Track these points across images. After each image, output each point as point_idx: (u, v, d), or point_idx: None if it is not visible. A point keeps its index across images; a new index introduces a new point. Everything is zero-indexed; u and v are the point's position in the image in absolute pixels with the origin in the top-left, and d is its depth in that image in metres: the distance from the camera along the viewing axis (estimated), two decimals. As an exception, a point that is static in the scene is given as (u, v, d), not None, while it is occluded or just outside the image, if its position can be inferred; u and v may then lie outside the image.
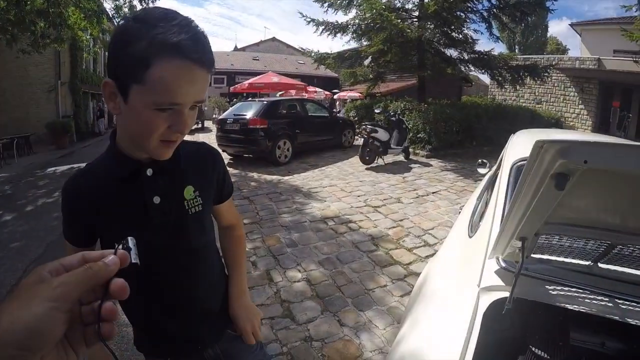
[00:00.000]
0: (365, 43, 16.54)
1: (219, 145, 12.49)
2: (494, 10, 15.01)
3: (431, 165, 11.54)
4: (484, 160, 4.85)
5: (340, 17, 64.12)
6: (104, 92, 1.07)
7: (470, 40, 15.23)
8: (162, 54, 0.95)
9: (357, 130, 14.55)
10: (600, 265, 1.75)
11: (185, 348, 1.41)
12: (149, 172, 1.20)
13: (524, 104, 22.74)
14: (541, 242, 1.65)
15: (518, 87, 17.30)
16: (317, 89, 26.78)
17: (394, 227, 6.28)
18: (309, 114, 13.55)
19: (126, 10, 14.08)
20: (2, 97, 18.57)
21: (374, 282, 4.49)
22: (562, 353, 1.63)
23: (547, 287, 1.64)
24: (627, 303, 1.53)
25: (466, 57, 15.62)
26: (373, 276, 4.64)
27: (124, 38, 0.98)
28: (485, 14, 15.12)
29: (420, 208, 7.28)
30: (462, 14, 14.50)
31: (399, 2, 16.39)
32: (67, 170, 12.62)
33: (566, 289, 1.61)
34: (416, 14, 15.45)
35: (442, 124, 13.06)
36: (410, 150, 12.80)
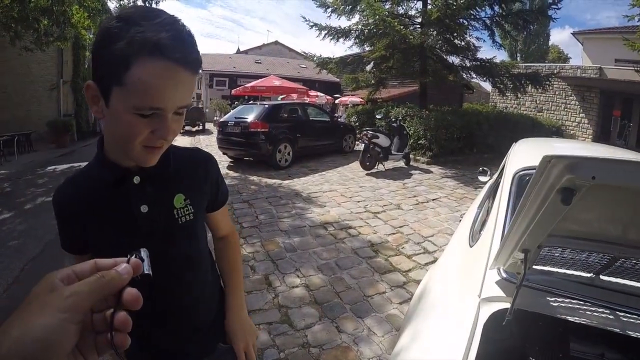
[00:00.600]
0: (367, 48, 16.62)
1: (219, 147, 12.53)
2: (497, 18, 15.03)
3: (431, 172, 11.54)
4: (485, 168, 4.84)
5: (343, 22, 64.24)
6: (87, 95, 1.01)
7: (472, 48, 15.25)
8: (141, 54, 0.89)
9: (358, 136, 14.55)
10: (602, 277, 1.74)
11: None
12: (136, 179, 1.16)
13: (525, 112, 22.76)
14: (543, 254, 1.65)
15: (519, 95, 17.33)
16: (319, 94, 26.80)
17: (393, 234, 6.27)
18: (310, 119, 13.55)
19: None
20: (4, 94, 18.54)
21: (373, 289, 4.48)
22: None
23: (548, 298, 1.63)
24: (628, 315, 1.53)
25: (468, 65, 15.63)
26: (372, 283, 4.63)
27: (105, 37, 0.93)
28: (487, 21, 15.16)
29: (420, 215, 7.27)
30: (464, 21, 14.52)
31: (402, 8, 16.47)
32: (67, 169, 12.62)
33: (567, 300, 1.61)
34: (419, 20, 15.47)
35: (443, 131, 13.07)
36: (411, 156, 12.81)
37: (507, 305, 1.56)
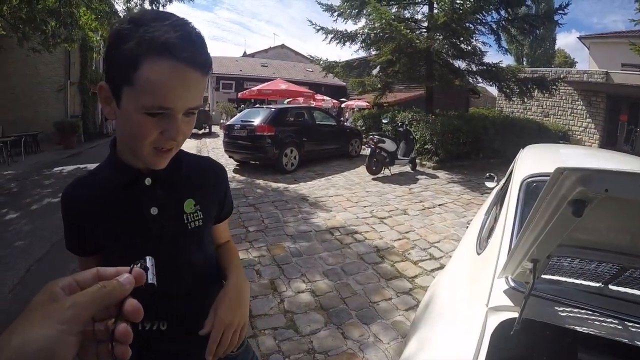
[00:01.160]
0: (373, 52, 16.62)
1: (225, 151, 12.56)
2: (503, 22, 15.01)
3: (438, 177, 11.52)
4: (492, 174, 4.82)
5: (350, 26, 64.32)
6: (100, 96, 1.04)
7: (478, 52, 15.23)
8: (150, 54, 0.90)
9: (364, 140, 14.54)
10: (610, 287, 1.73)
11: None
12: (148, 181, 1.16)
13: (531, 117, 22.70)
14: (552, 263, 1.64)
15: (526, 100, 17.29)
16: (325, 97, 26.83)
17: (399, 239, 6.25)
18: (317, 123, 13.56)
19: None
20: (11, 94, 18.77)
21: (379, 295, 4.47)
22: None
23: (556, 308, 1.62)
24: (637, 326, 1.52)
25: (474, 69, 15.64)
26: (378, 289, 4.62)
27: (116, 39, 0.95)
28: (494, 26, 15.12)
29: (426, 220, 7.26)
30: (471, 25, 14.49)
31: (409, 12, 16.55)
32: (73, 171, 12.71)
33: (575, 310, 1.59)
34: (425, 24, 15.49)
35: (449, 136, 13.05)
36: (417, 161, 12.77)
37: (515, 314, 1.55)
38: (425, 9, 15.77)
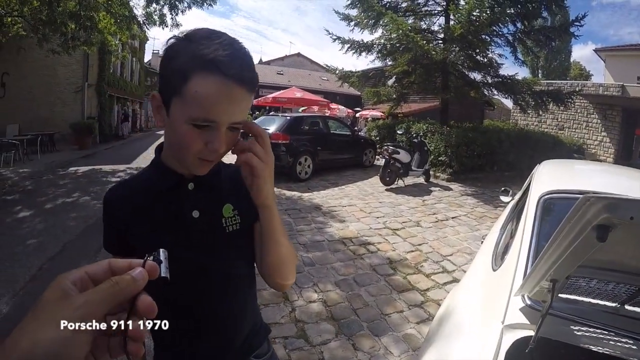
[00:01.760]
0: (389, 63, 16.63)
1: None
2: (519, 34, 14.98)
3: (451, 189, 11.48)
4: (507, 188, 4.80)
5: (366, 36, 64.40)
6: (152, 105, 1.10)
7: (494, 64, 15.19)
8: (199, 69, 0.96)
9: (379, 151, 14.54)
10: (627, 307, 1.71)
11: None
12: (191, 186, 1.20)
13: (546, 130, 22.58)
14: (569, 283, 1.63)
15: (541, 113, 17.20)
16: (340, 107, 26.89)
17: (412, 252, 6.23)
18: (331, 132, 13.62)
19: (156, 17, 14.34)
20: (29, 94, 19.10)
21: (391, 307, 4.45)
22: None
23: (572, 327, 1.61)
24: None
25: (490, 81, 15.55)
26: (390, 301, 4.60)
27: (170, 53, 1.01)
28: (510, 38, 15.11)
29: (440, 233, 7.23)
30: (487, 37, 14.49)
31: (425, 23, 16.52)
32: (88, 171, 12.88)
33: (591, 330, 1.59)
34: (441, 36, 15.49)
35: (463, 148, 13.01)
36: (431, 172, 12.74)
37: (531, 332, 1.55)
38: (442, 20, 15.85)
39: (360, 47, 16.12)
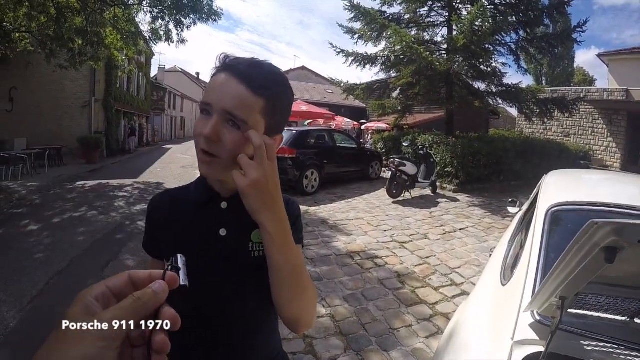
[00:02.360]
0: (394, 75, 16.65)
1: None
2: (522, 42, 15.06)
3: (458, 200, 11.45)
4: (514, 199, 4.78)
5: (370, 49, 64.78)
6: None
7: (498, 73, 15.23)
8: (217, 70, 1.10)
9: (385, 163, 14.54)
10: (636, 320, 1.71)
11: None
12: (224, 205, 1.24)
13: (552, 137, 22.56)
14: (578, 299, 1.62)
15: (546, 120, 17.17)
16: (345, 119, 26.91)
17: (420, 265, 6.20)
18: (337, 145, 13.63)
19: (162, 33, 14.49)
20: (37, 108, 19.35)
21: (399, 321, 4.42)
22: None
23: (582, 342, 1.61)
24: None
25: (494, 90, 15.57)
26: (398, 315, 4.58)
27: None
28: (513, 46, 15.20)
29: (447, 245, 7.20)
30: (490, 46, 14.54)
31: (428, 35, 16.58)
32: (95, 186, 12.97)
33: (601, 344, 1.58)
34: (445, 47, 15.53)
35: (469, 158, 12.99)
36: (438, 184, 12.72)
37: (541, 348, 1.55)
38: (445, 31, 15.88)
39: (365, 60, 16.18)
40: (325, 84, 40.45)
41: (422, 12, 16.23)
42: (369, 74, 55.31)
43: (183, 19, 14.28)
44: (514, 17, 14.05)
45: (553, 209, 2.37)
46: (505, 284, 2.26)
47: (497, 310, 2.09)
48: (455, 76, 15.40)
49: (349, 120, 27.16)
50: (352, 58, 16.29)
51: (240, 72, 1.06)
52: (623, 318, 1.73)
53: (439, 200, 11.45)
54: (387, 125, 23.13)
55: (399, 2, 15.68)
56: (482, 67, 15.01)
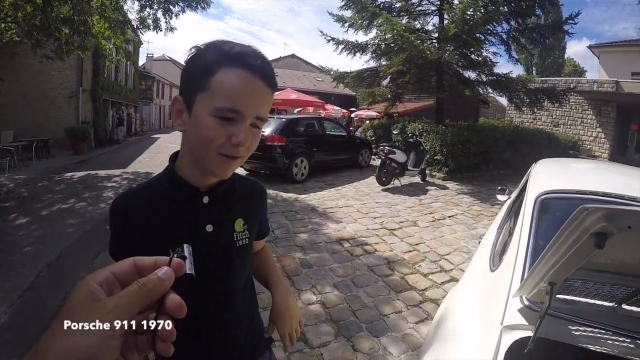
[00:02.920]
0: (384, 63, 16.64)
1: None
2: (513, 33, 15.02)
3: (447, 188, 11.51)
4: (503, 187, 4.81)
5: (360, 37, 64.61)
6: (172, 109, 1.13)
7: (489, 63, 15.22)
8: (225, 63, 1.01)
9: (374, 151, 14.56)
10: (624, 306, 1.73)
11: None
12: (205, 199, 1.20)
13: (541, 127, 22.67)
14: (567, 284, 1.64)
15: (536, 110, 17.24)
16: (335, 107, 26.85)
17: (409, 251, 6.25)
18: (327, 133, 13.62)
19: (150, 22, 14.35)
20: (24, 100, 19.05)
21: (389, 308, 4.46)
22: None
23: (570, 327, 1.62)
24: None
25: (484, 79, 15.60)
26: (388, 301, 4.61)
27: (194, 56, 1.07)
28: (504, 36, 15.15)
29: (437, 232, 7.25)
30: (481, 36, 14.53)
31: (419, 23, 16.54)
32: (84, 177, 12.87)
33: (589, 329, 1.60)
34: (436, 35, 15.49)
35: (459, 147, 13.04)
36: (427, 172, 12.76)
37: (529, 333, 1.56)
38: (436, 19, 15.86)
39: (355, 48, 16.13)
40: (315, 72, 40.25)
41: (413, 1, 16.25)
42: (359, 62, 55.36)
43: (171, 7, 14.19)
44: (505, 7, 14.01)
45: (542, 197, 2.39)
46: (494, 270, 2.28)
47: (486, 296, 2.11)
48: (446, 65, 15.42)
49: (338, 108, 27.13)
50: (343, 46, 16.25)
51: (264, 73, 1.04)
52: (611, 304, 1.75)
53: (429, 188, 11.50)
54: (377, 114, 23.13)
55: (390, -11, 15.58)
56: (472, 56, 14.99)
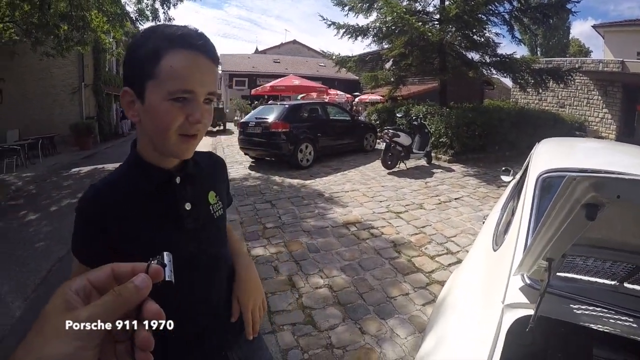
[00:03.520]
0: (386, 46, 16.49)
1: (240, 148, 12.67)
2: (516, 12, 14.80)
3: (453, 170, 11.47)
4: (508, 168, 4.81)
5: (361, 20, 64.11)
6: (123, 102, 1.13)
7: (492, 44, 15.01)
8: (169, 46, 1.03)
9: (379, 135, 14.51)
10: (626, 285, 1.74)
11: (209, 356, 1.38)
12: (178, 179, 1.21)
13: (547, 108, 22.41)
14: (567, 262, 1.65)
15: (541, 91, 17.08)
16: (338, 92, 26.74)
17: (416, 234, 6.26)
18: (331, 118, 13.56)
19: (148, 13, 14.28)
20: (26, 98, 18.99)
21: (396, 290, 4.49)
22: None
23: (571, 305, 1.63)
24: None
25: (488, 61, 15.41)
26: (395, 284, 4.64)
27: (135, 44, 1.09)
28: (506, 16, 14.92)
29: (443, 214, 7.25)
30: (483, 16, 14.29)
31: (420, 5, 16.33)
32: (91, 171, 12.92)
33: (590, 308, 1.60)
34: (437, 17, 15.31)
35: (464, 129, 12.93)
36: (432, 154, 12.71)
37: (531, 311, 1.57)
38: (437, 1, 15.61)
39: (356, 32, 15.98)
40: (317, 57, 40.10)
41: (413, -18, 16.02)
42: (361, 46, 54.92)
43: (169, -3, 14.11)
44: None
45: (543, 175, 2.39)
46: (496, 250, 2.30)
47: (489, 275, 2.13)
48: (448, 46, 15.22)
49: (342, 93, 27.02)
50: (343, 30, 16.11)
51: (207, 50, 1.07)
52: (613, 282, 1.76)
53: (434, 170, 11.47)
54: (381, 97, 23.01)
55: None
56: (475, 37, 14.79)
